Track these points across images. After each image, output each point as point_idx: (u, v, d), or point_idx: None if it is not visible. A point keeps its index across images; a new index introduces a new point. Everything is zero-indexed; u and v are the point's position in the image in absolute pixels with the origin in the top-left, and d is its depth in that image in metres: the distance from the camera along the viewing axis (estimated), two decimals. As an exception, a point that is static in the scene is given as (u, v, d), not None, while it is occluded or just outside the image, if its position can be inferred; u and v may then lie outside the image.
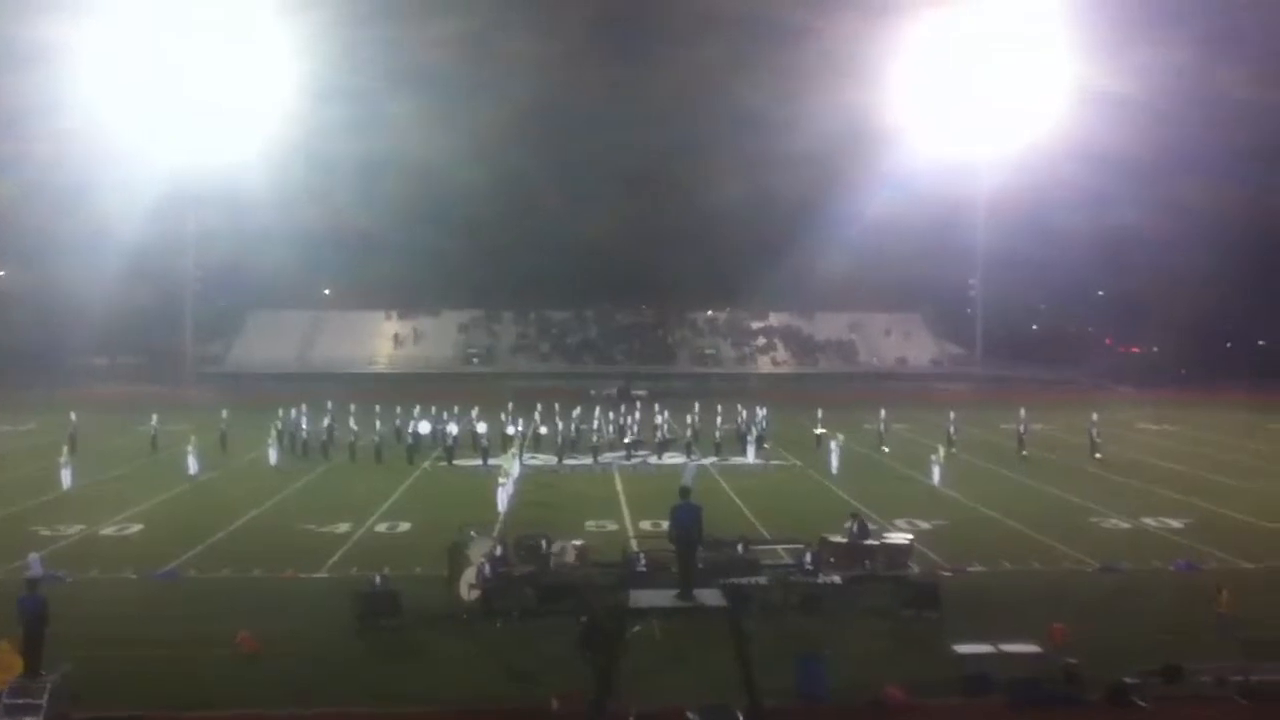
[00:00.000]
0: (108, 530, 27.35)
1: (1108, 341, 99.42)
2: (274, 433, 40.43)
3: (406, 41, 68.50)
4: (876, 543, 22.30)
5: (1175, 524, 28.44)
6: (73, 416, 41.55)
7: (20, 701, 13.75)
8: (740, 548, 21.01)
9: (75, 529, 27.16)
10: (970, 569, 23.10)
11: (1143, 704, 15.01)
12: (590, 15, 79.32)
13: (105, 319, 72.86)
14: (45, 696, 13.81)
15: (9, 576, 20.40)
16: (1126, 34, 60.53)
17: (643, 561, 20.21)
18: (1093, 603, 20.27)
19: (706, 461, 38.96)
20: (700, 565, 17.58)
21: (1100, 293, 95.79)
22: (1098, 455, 40.92)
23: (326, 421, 42.72)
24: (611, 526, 27.79)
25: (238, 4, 64.24)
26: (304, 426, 42.42)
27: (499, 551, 20.60)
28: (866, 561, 21.52)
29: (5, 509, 29.59)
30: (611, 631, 14.60)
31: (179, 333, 77.19)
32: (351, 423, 41.88)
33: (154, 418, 42.68)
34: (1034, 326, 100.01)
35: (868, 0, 69.56)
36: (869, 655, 17.28)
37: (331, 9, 64.19)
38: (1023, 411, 43.53)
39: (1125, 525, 28.45)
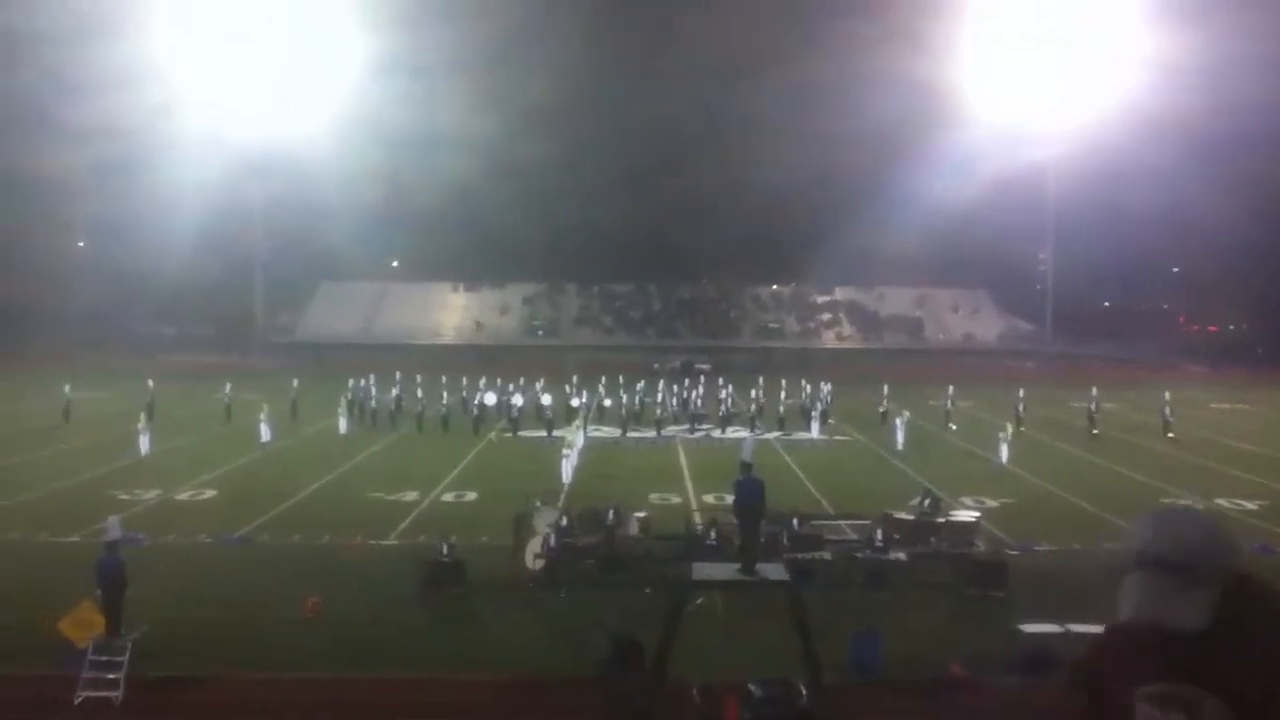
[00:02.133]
0: (183, 495, 28.06)
1: (1181, 319, 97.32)
2: (343, 402, 41.15)
3: (472, 16, 68.71)
4: (942, 520, 22.13)
5: (1249, 505, 27.87)
6: (150, 384, 42.61)
7: (104, 659, 14.22)
8: (795, 522, 20.93)
9: (152, 493, 27.90)
10: (1038, 548, 22.85)
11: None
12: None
13: (177, 289, 74.50)
14: (127, 654, 14.26)
15: (89, 539, 21.07)
16: (1202, 2, 58.90)
17: (712, 534, 20.23)
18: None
19: (770, 436, 38.83)
20: (763, 540, 17.63)
21: (1175, 269, 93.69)
22: (1170, 435, 40.18)
23: (394, 392, 43.37)
24: (675, 499, 27.91)
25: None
26: (372, 396, 43.17)
27: (564, 522, 20.80)
28: (932, 539, 21.39)
29: (85, 473, 30.49)
30: (672, 606, 14.70)
31: (249, 303, 78.60)
32: (419, 393, 42.50)
33: (227, 386, 43.55)
34: (1105, 304, 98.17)
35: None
36: (932, 633, 17.21)
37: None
38: (1094, 390, 42.84)
39: (1198, 506, 27.90)
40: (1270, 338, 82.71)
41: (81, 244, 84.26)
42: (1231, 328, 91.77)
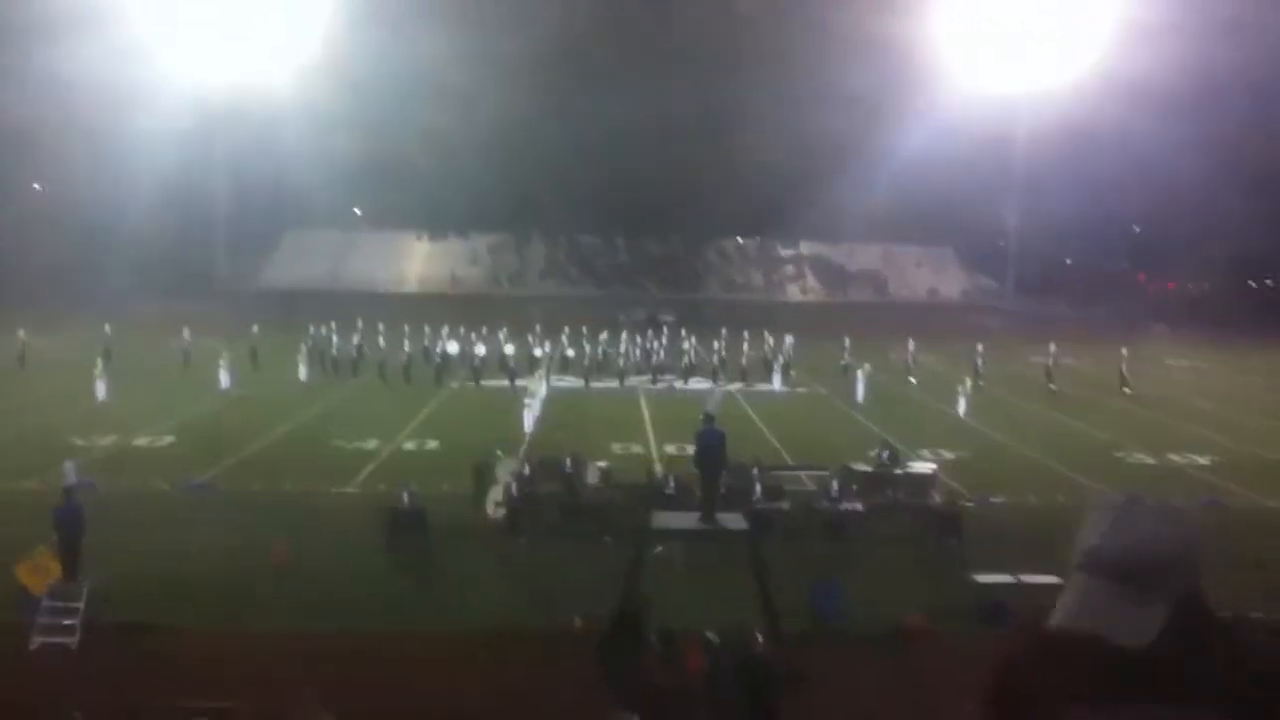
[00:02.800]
0: (140, 441, 27.83)
1: (1141, 278, 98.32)
2: (304, 350, 40.79)
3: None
4: (900, 472, 22.36)
5: (1202, 460, 28.37)
6: (106, 329, 42.09)
7: (60, 604, 14.14)
8: (755, 470, 21.07)
9: (109, 439, 27.66)
10: (993, 500, 23.18)
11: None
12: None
13: (139, 237, 73.31)
14: (83, 600, 14.18)
15: (45, 485, 20.87)
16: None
17: (671, 484, 20.39)
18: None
19: (732, 388, 38.96)
20: (723, 491, 17.74)
21: (1136, 229, 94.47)
22: (1126, 390, 40.71)
23: (356, 340, 43.02)
24: (637, 449, 28.01)
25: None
26: (334, 344, 42.82)
27: (525, 471, 20.84)
28: (889, 490, 21.62)
29: (41, 419, 30.14)
30: (633, 555, 14.81)
31: (212, 251, 77.64)
32: (380, 341, 42.24)
33: (185, 332, 43.08)
34: (1067, 261, 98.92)
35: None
36: (889, 582, 17.46)
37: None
38: (1052, 346, 43.24)
39: (1151, 461, 28.40)
40: (1229, 297, 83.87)
41: (37, 187, 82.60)
42: (1190, 286, 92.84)
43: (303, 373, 39.66)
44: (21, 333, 41.41)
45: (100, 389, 33.71)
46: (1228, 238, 74.19)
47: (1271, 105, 65.95)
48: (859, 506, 20.41)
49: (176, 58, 64.05)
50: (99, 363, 35.28)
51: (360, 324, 44.43)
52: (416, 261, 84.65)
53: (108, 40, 59.17)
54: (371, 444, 27.92)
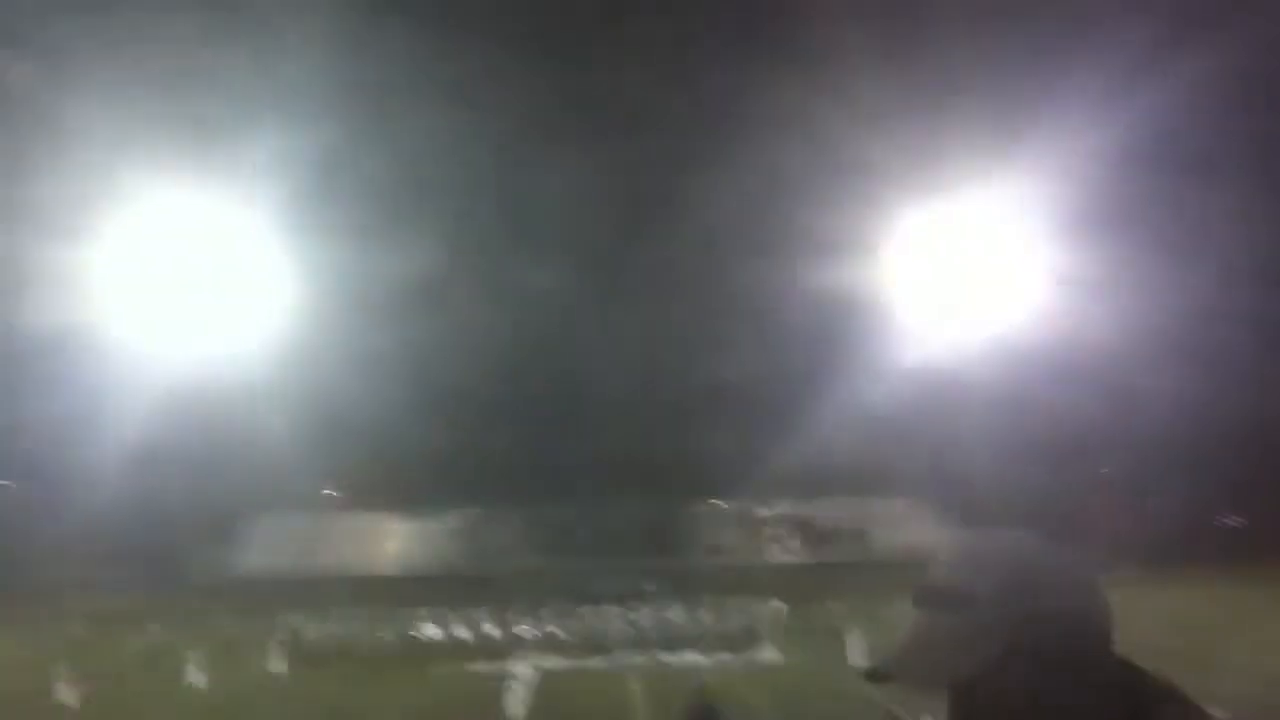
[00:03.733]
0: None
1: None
2: (276, 643, 39.34)
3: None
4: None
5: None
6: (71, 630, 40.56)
7: None
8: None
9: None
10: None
11: None
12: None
13: (98, 523, 71.65)
14: None
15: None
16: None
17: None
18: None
19: (722, 659, 37.81)
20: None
21: (1104, 470, 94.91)
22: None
23: (332, 628, 41.68)
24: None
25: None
26: (310, 634, 41.40)
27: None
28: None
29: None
30: None
31: (177, 537, 75.95)
32: (358, 628, 40.96)
33: (153, 630, 41.71)
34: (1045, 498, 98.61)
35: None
36: None
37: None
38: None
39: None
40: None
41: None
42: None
43: (276, 667, 38.01)
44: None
45: (65, 694, 31.94)
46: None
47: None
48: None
49: (133, 331, 64.38)
50: (61, 669, 33.61)
51: (338, 611, 43.28)
52: (394, 541, 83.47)
53: (65, 310, 59.79)
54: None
